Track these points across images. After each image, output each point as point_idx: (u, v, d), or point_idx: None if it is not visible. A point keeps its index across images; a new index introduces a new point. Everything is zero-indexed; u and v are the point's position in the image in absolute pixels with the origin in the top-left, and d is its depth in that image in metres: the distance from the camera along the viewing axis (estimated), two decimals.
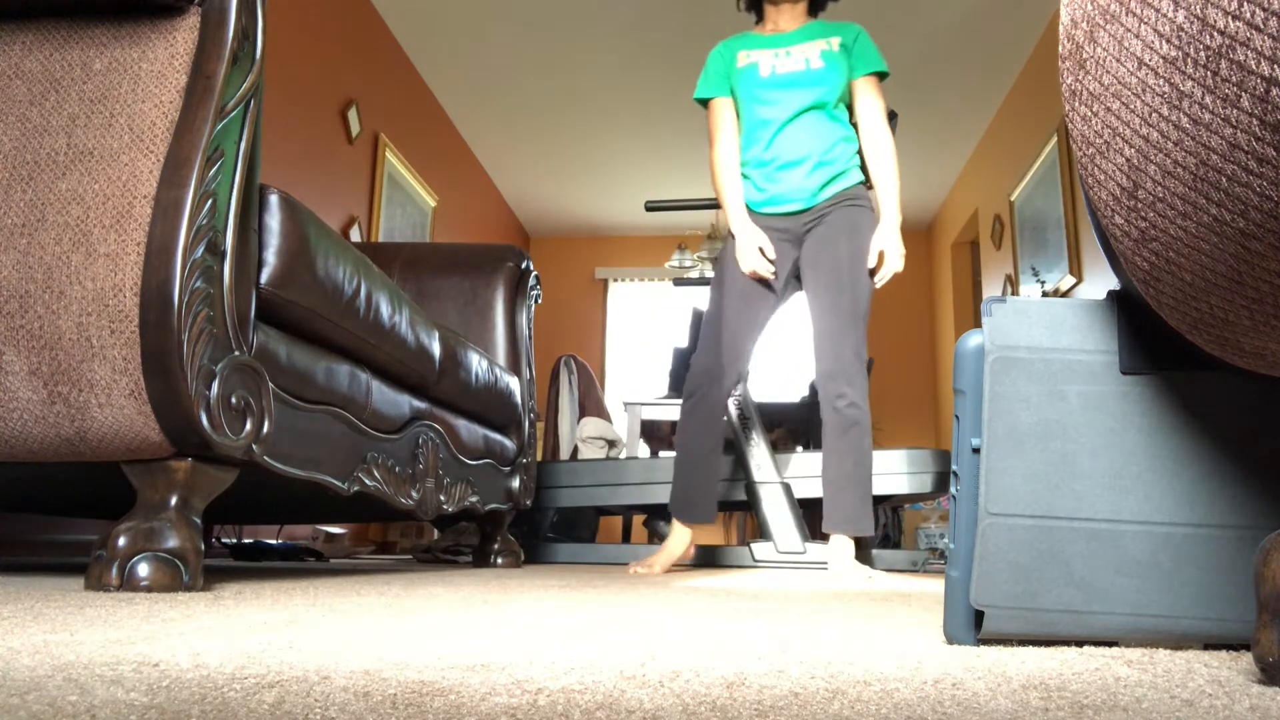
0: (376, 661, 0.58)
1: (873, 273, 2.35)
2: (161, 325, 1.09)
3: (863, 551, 2.78)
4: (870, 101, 2.43)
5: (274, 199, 1.30)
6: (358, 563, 2.80)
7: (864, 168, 2.50)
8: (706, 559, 2.95)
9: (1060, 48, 0.68)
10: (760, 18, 2.59)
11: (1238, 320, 0.59)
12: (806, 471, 3.01)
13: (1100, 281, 3.84)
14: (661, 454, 4.35)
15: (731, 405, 2.88)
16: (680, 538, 2.38)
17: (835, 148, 2.41)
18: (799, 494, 2.95)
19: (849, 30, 2.47)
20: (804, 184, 2.39)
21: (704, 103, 2.53)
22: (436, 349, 1.91)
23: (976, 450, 0.78)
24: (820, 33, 2.47)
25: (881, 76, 2.43)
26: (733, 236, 2.42)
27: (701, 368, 2.36)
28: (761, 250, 2.36)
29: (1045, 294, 4.38)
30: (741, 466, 2.88)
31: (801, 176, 2.39)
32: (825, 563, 2.68)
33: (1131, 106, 0.56)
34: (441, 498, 2.00)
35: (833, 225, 2.37)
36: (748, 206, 2.46)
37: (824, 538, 2.92)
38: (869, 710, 0.46)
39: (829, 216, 2.39)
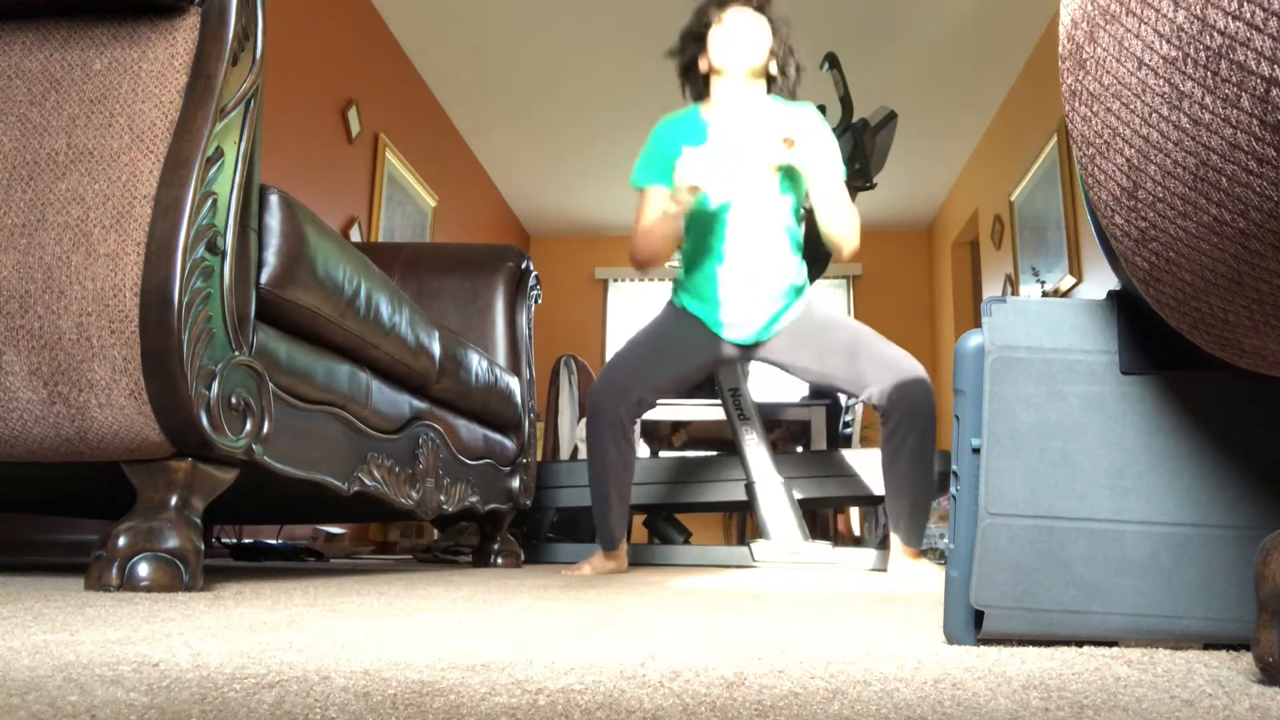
0: (376, 661, 0.58)
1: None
2: (161, 325, 1.09)
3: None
4: None
5: (274, 199, 1.30)
6: (358, 563, 2.80)
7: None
8: (706, 559, 2.95)
9: (1060, 48, 0.68)
10: (705, 95, 2.35)
11: (1238, 320, 0.59)
12: (806, 472, 3.01)
13: (1100, 281, 3.84)
14: (662, 454, 4.35)
15: (729, 403, 2.88)
16: (618, 556, 2.26)
17: (790, 269, 2.28)
18: (799, 494, 2.95)
19: (805, 117, 2.28)
20: (757, 312, 2.25)
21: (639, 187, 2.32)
22: (436, 349, 1.91)
23: (976, 450, 0.78)
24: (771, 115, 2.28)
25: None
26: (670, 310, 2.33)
27: (603, 382, 2.25)
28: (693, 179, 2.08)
29: (1045, 294, 4.38)
30: (741, 466, 2.88)
31: (754, 302, 2.25)
32: (830, 563, 2.68)
33: (1131, 106, 0.56)
34: (441, 498, 2.00)
35: (791, 331, 2.28)
36: (689, 307, 2.31)
37: (827, 536, 2.91)
38: (869, 710, 0.46)
39: (784, 327, 2.28)
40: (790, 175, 2.28)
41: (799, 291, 2.32)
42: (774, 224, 2.27)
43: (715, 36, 2.28)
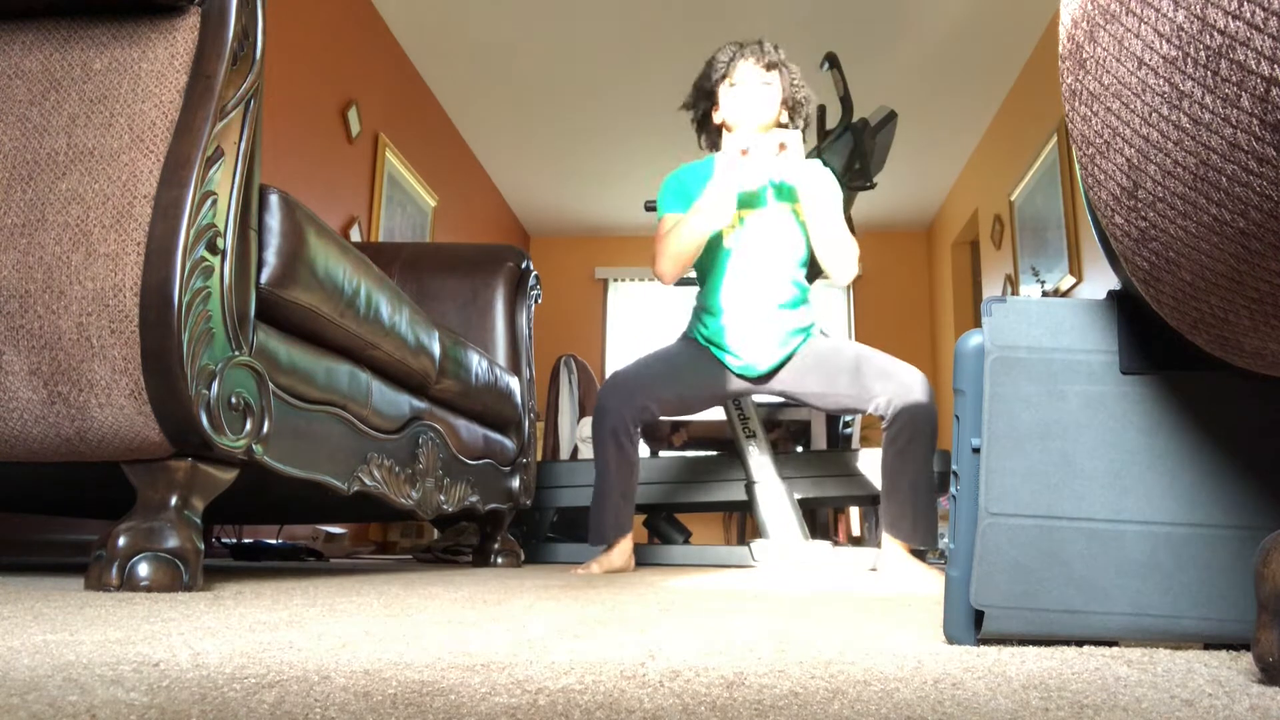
0: (376, 661, 0.58)
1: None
2: (161, 325, 1.09)
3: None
4: None
5: (274, 199, 1.30)
6: (358, 563, 2.80)
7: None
8: (706, 559, 2.95)
9: (1060, 48, 0.68)
10: (720, 145, 2.42)
11: (1238, 320, 0.59)
12: (806, 472, 3.01)
13: (1100, 281, 3.84)
14: (662, 454, 4.35)
15: (729, 404, 2.88)
16: (621, 553, 2.29)
17: (798, 317, 2.36)
18: (799, 494, 2.95)
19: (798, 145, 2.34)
20: (765, 354, 2.33)
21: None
22: (436, 349, 1.91)
23: (976, 450, 0.78)
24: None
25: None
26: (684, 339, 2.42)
27: (609, 387, 2.31)
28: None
29: (1045, 294, 4.38)
30: (741, 466, 2.88)
31: (762, 347, 2.33)
32: (829, 563, 2.68)
33: (1131, 106, 0.56)
34: (441, 498, 2.00)
35: (798, 364, 2.35)
36: (702, 338, 2.40)
37: (827, 536, 2.91)
38: (869, 710, 0.46)
39: (791, 362, 2.36)
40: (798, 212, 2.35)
41: (806, 332, 2.39)
42: (782, 273, 2.35)
43: (725, 94, 2.33)
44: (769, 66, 2.31)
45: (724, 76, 2.33)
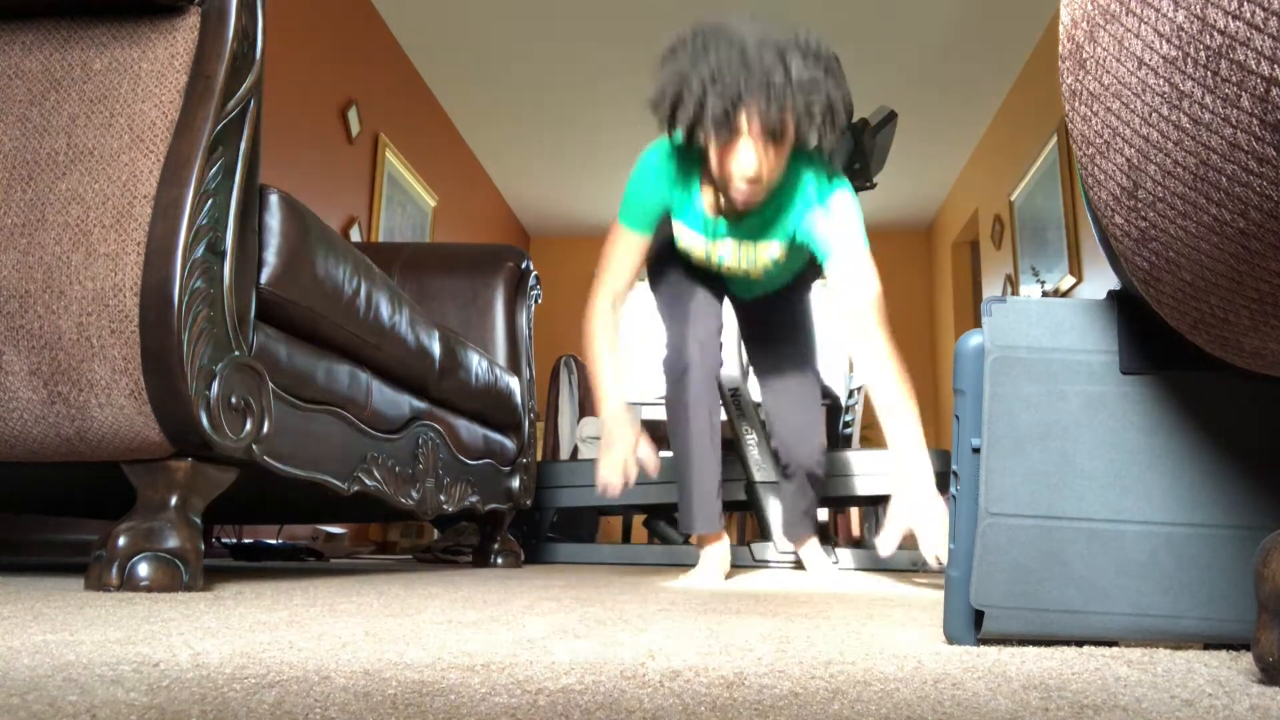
0: (376, 661, 0.58)
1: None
2: (161, 325, 1.09)
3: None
4: (850, 274, 1.85)
5: (274, 199, 1.30)
6: (357, 563, 2.80)
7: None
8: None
9: (1060, 48, 0.68)
10: (704, 165, 1.83)
11: (1238, 320, 0.59)
12: None
13: (1100, 281, 3.84)
14: (662, 454, 4.35)
15: (729, 403, 2.87)
16: (722, 552, 2.00)
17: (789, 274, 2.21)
18: None
19: (824, 190, 1.88)
20: (749, 286, 2.19)
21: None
22: (436, 349, 1.91)
23: (976, 450, 0.78)
24: (787, 207, 1.88)
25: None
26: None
27: (679, 341, 1.99)
28: (626, 466, 1.72)
29: (1045, 294, 4.38)
30: (741, 466, 2.88)
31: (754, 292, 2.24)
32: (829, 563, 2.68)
33: (1131, 106, 0.56)
34: (441, 498, 2.00)
35: (775, 298, 2.25)
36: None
37: (827, 536, 2.91)
38: (869, 710, 0.46)
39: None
40: (800, 265, 2.20)
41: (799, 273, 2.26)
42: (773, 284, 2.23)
43: (720, 156, 1.77)
44: (780, 122, 1.69)
45: (718, 127, 1.71)
